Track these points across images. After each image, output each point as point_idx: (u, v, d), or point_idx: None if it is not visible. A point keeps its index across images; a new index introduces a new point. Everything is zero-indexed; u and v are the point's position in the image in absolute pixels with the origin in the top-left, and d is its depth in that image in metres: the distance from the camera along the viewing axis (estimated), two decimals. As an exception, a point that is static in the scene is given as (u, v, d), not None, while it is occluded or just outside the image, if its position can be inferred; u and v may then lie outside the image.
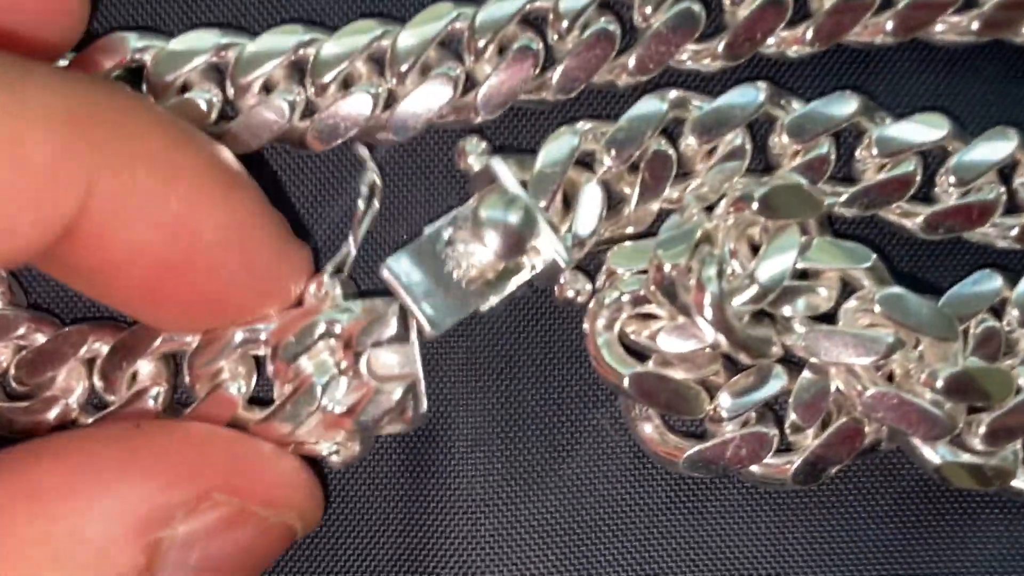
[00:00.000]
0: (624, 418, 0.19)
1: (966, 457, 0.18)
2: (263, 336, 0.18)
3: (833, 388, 0.18)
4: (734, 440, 0.18)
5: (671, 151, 0.19)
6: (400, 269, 0.18)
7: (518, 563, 0.19)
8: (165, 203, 0.16)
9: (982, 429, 0.18)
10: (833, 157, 0.19)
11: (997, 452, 0.18)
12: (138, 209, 0.16)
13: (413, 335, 0.18)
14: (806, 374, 0.18)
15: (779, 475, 0.19)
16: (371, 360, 0.17)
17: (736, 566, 0.19)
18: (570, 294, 0.18)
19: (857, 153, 0.19)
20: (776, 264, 0.17)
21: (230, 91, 0.19)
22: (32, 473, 0.15)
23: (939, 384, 0.18)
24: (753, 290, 0.17)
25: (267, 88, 0.19)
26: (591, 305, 0.18)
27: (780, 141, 0.19)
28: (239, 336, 0.18)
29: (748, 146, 0.19)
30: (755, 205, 0.18)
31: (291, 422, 0.17)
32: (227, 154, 0.17)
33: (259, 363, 0.19)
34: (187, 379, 0.18)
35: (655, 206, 0.19)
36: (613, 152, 0.18)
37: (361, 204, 0.18)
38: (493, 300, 0.18)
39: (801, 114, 0.19)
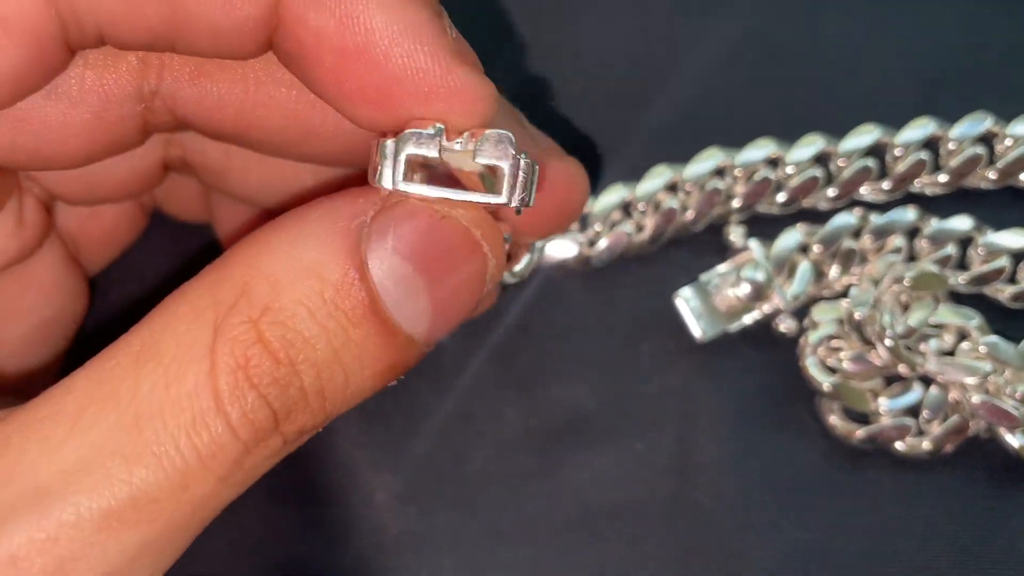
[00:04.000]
0: (818, 411, 0.30)
1: (1036, 444, 0.28)
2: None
3: (950, 398, 0.29)
4: (888, 426, 0.29)
5: (856, 246, 0.29)
6: (686, 296, 0.29)
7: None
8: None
9: (1050, 427, 0.28)
10: (954, 254, 0.29)
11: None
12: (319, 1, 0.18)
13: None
14: (933, 388, 0.29)
15: (914, 451, 0.29)
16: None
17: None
18: (783, 329, 0.30)
19: (968, 251, 0.30)
20: (920, 315, 0.28)
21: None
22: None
23: (1018, 395, 0.28)
24: (907, 329, 0.28)
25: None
26: (802, 340, 0.29)
27: (922, 244, 0.29)
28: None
29: (903, 244, 0.30)
30: (906, 282, 0.29)
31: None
32: None
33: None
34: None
35: (845, 280, 0.30)
36: (820, 245, 0.29)
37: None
38: (738, 325, 0.29)
39: (936, 228, 0.29)
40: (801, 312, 0.30)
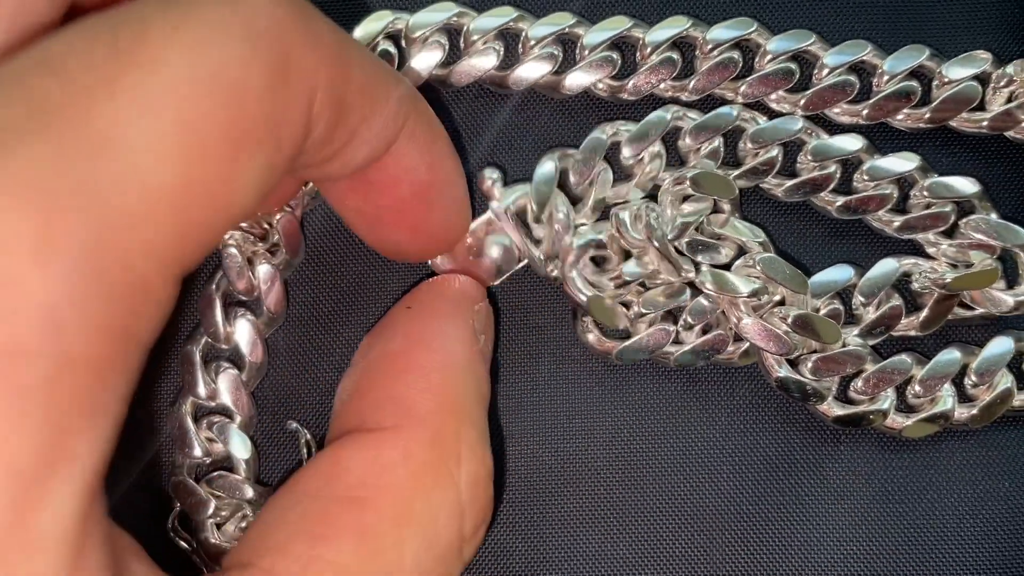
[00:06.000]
0: (575, 332, 0.27)
1: (797, 376, 0.26)
2: None
3: (719, 311, 0.26)
4: (645, 335, 0.26)
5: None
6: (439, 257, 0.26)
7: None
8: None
9: (809, 364, 0.26)
10: (780, 158, 0.27)
11: (820, 380, 0.26)
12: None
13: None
14: (701, 298, 0.26)
15: (666, 359, 0.26)
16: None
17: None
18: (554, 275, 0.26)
19: (799, 158, 0.27)
20: (692, 212, 0.26)
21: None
22: None
23: (789, 320, 0.25)
24: (678, 225, 0.25)
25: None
26: (562, 252, 0.26)
27: (746, 145, 0.27)
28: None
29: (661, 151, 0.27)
30: (688, 182, 0.26)
31: None
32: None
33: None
34: None
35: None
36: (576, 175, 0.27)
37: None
38: (499, 279, 0.27)
39: (761, 127, 0.27)
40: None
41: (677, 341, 0.26)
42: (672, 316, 0.27)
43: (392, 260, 0.26)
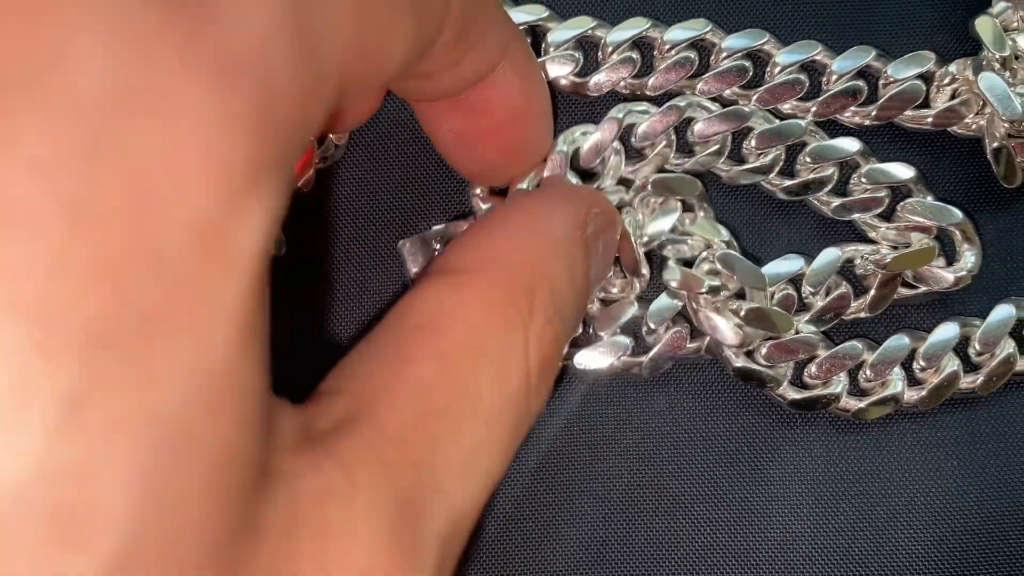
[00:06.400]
0: None
1: (754, 365, 0.27)
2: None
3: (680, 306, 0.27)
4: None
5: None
6: (408, 248, 0.27)
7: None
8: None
9: (763, 351, 0.27)
10: (729, 145, 0.28)
11: (774, 366, 0.27)
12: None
13: None
14: (663, 295, 0.27)
15: (636, 370, 0.28)
16: None
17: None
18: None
19: (743, 145, 0.28)
20: (659, 224, 0.27)
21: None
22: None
23: (743, 313, 0.27)
24: (644, 239, 0.27)
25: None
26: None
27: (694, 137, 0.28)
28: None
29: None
30: (651, 186, 0.27)
31: None
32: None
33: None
34: None
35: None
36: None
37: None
38: None
39: (711, 116, 0.27)
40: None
41: (644, 350, 0.27)
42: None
43: (384, 262, 0.28)
